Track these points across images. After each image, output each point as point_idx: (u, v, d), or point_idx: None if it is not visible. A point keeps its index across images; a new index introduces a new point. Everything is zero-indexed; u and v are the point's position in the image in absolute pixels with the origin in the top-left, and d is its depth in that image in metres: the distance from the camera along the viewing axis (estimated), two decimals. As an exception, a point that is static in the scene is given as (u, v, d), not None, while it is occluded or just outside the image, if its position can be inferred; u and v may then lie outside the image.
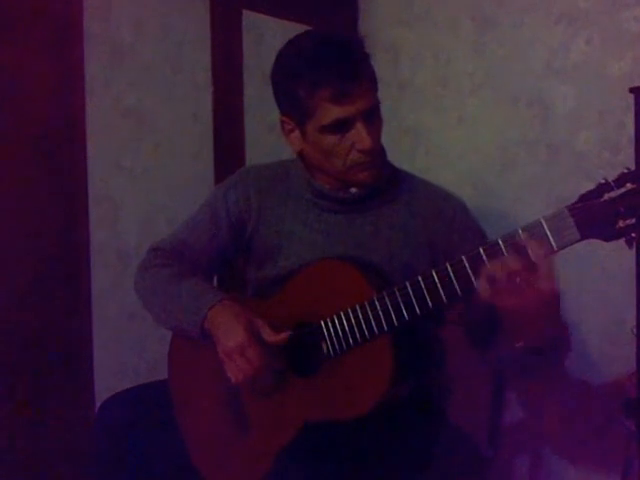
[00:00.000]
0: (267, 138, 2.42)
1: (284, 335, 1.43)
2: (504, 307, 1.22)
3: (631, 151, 1.83)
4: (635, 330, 1.85)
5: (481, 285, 1.21)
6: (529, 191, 2.20)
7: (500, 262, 1.20)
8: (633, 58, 1.98)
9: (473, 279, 1.25)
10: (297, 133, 1.53)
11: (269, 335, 1.43)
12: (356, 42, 1.50)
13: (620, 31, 2.00)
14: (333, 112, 1.43)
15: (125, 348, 2.24)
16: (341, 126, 1.45)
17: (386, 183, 1.58)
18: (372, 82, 1.48)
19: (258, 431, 1.49)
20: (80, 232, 2.14)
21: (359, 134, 1.45)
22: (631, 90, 1.84)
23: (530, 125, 2.20)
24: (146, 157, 2.26)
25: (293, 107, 1.50)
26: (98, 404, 1.73)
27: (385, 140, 1.60)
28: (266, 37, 2.45)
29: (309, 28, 2.10)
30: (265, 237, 1.61)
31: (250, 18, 2.44)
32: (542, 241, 1.18)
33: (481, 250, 1.24)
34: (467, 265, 1.25)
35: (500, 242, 1.22)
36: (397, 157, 1.65)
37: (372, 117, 1.47)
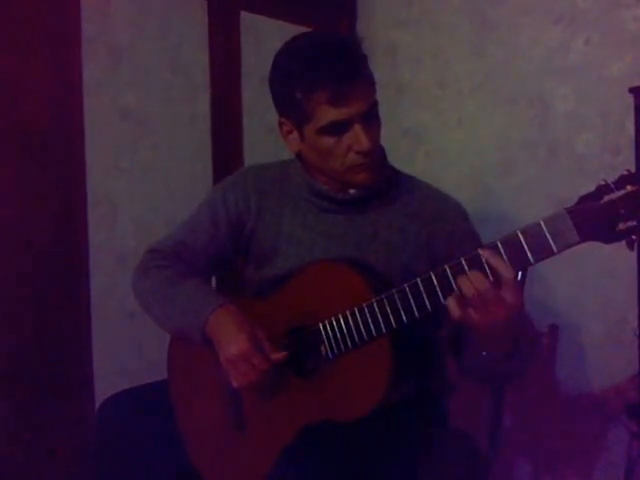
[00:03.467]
0: (266, 139, 2.42)
1: (282, 355, 1.43)
2: (469, 322, 1.26)
3: (631, 152, 1.83)
4: (637, 331, 1.85)
5: (449, 303, 1.25)
6: (529, 192, 2.20)
7: (466, 279, 1.23)
8: (633, 58, 1.97)
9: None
10: (295, 134, 1.53)
11: (268, 352, 1.43)
12: (353, 43, 1.50)
13: (620, 31, 2.00)
14: (330, 114, 1.43)
15: (124, 349, 2.23)
16: (338, 128, 1.45)
17: (386, 184, 1.58)
18: (369, 83, 1.48)
19: (257, 432, 1.49)
20: (79, 233, 2.14)
21: (356, 136, 1.45)
22: (631, 90, 1.84)
23: (530, 126, 2.20)
24: (144, 158, 2.25)
25: (291, 109, 1.49)
26: (98, 404, 1.72)
27: (384, 142, 1.59)
28: (264, 38, 2.45)
29: (307, 29, 2.10)
30: (264, 237, 1.61)
31: (248, 19, 2.44)
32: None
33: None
34: (466, 268, 1.25)
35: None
36: (396, 159, 1.65)
37: (370, 118, 1.47)
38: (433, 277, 1.28)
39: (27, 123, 2.03)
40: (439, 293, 1.28)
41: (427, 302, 1.29)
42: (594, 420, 2.08)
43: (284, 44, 1.52)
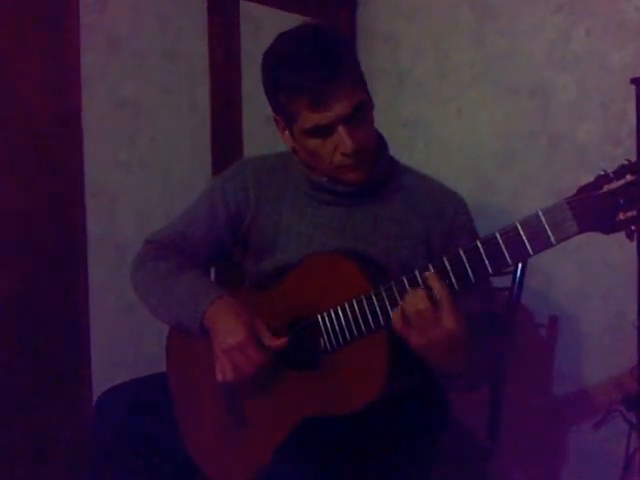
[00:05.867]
0: (265, 130, 2.40)
1: (283, 340, 1.42)
2: (407, 339, 1.27)
3: (632, 142, 1.82)
4: (636, 323, 1.85)
5: (393, 316, 1.28)
6: (529, 183, 2.19)
7: (409, 295, 1.26)
8: (634, 48, 1.96)
9: (470, 273, 1.24)
10: (288, 132, 1.54)
11: (268, 339, 1.42)
12: (338, 43, 1.47)
13: (621, 21, 1.99)
14: (312, 119, 1.43)
15: (123, 341, 2.23)
16: (322, 131, 1.45)
17: (386, 177, 1.57)
18: (353, 84, 1.45)
19: (256, 426, 1.49)
20: (77, 226, 2.13)
21: (341, 138, 1.44)
22: (632, 81, 1.83)
23: (530, 117, 2.19)
24: (143, 149, 2.25)
25: (279, 109, 1.51)
26: (96, 397, 1.72)
27: (384, 132, 1.59)
28: (264, 27, 2.44)
29: (307, 18, 2.09)
30: (263, 229, 1.60)
31: (247, 8, 2.43)
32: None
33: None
34: (465, 259, 1.24)
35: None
36: (396, 149, 1.64)
37: (356, 118, 1.45)
38: (431, 269, 1.28)
39: (24, 113, 2.02)
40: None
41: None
42: (593, 411, 2.07)
43: (270, 44, 1.52)
